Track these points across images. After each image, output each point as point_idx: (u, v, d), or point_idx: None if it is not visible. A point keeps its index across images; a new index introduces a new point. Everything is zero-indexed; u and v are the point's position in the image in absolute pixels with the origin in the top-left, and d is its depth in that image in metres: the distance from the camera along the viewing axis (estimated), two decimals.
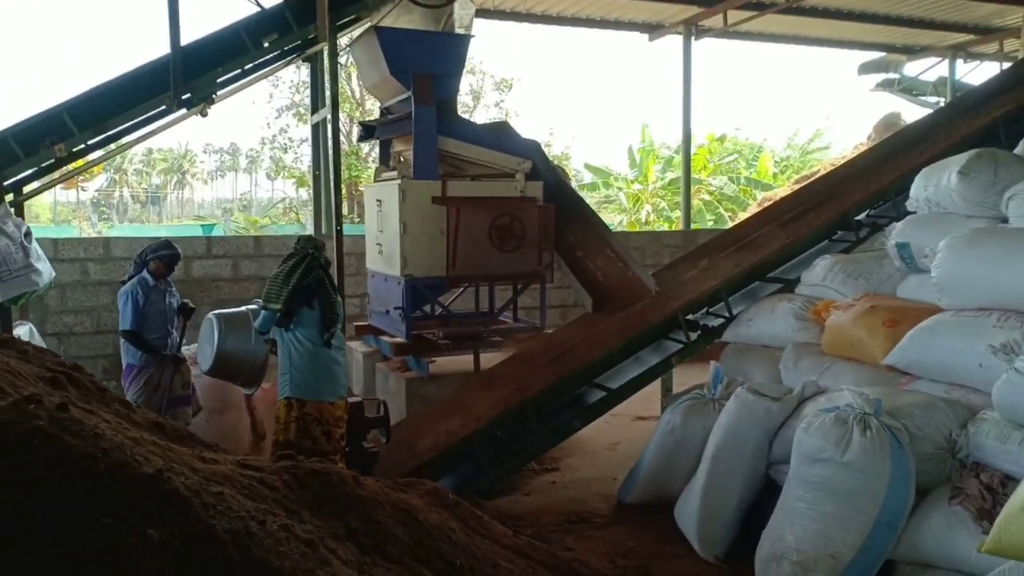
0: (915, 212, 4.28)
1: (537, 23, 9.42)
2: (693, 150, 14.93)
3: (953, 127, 5.85)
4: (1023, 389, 2.79)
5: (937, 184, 4.02)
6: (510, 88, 19.34)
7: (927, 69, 11.41)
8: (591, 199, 20.38)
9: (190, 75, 5.23)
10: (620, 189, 20.44)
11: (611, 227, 18.45)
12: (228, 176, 53.56)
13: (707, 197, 18.77)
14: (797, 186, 13.24)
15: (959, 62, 11.19)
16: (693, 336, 4.88)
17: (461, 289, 5.83)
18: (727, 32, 9.64)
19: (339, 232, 5.54)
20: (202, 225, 25.32)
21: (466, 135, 5.53)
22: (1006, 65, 10.82)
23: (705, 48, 10.10)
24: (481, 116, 19.28)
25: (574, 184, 20.53)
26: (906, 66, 11.05)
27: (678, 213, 18.71)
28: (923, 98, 11.12)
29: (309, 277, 3.75)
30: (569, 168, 20.60)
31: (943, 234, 3.71)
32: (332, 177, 5.93)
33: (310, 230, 8.85)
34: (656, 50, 9.68)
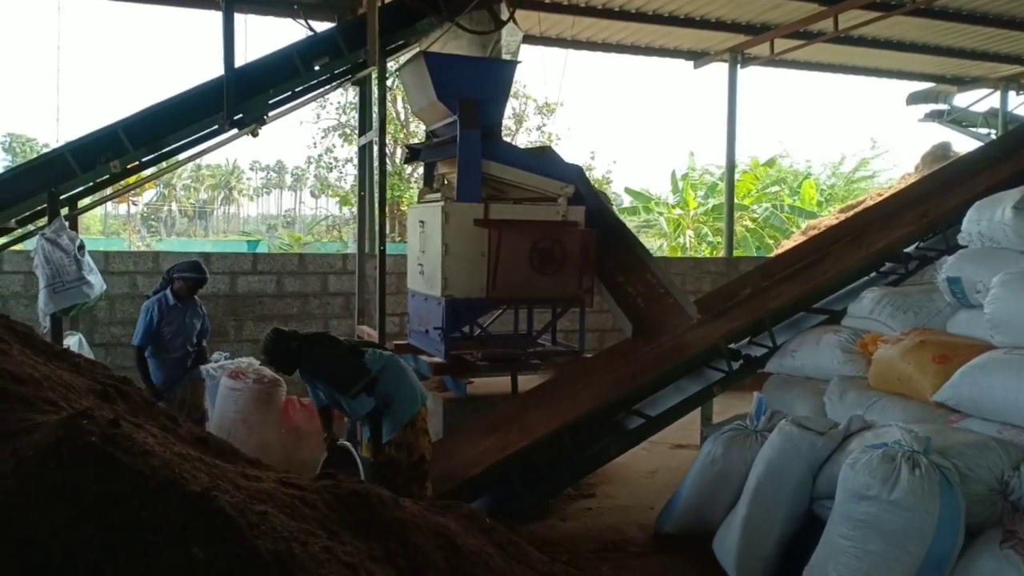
0: (967, 246, 4.18)
1: (582, 49, 9.48)
2: (738, 176, 14.84)
3: (1007, 160, 5.72)
4: None
5: (991, 218, 3.93)
6: (553, 112, 19.41)
7: (978, 100, 11.20)
8: (630, 223, 20.34)
9: (243, 96, 5.36)
10: (661, 214, 20.36)
11: (651, 252, 18.40)
12: (274, 193, 54.61)
13: (750, 224, 18.58)
14: (842, 215, 13.08)
15: (1011, 94, 10.97)
16: (735, 365, 4.81)
17: (500, 311, 5.84)
18: (773, 60, 9.62)
19: (382, 252, 5.60)
20: (247, 241, 25.78)
21: (509, 159, 5.57)
22: None
23: (751, 75, 10.05)
24: (523, 140, 19.37)
25: (615, 208, 20.50)
26: (956, 97, 10.88)
27: (720, 239, 18.57)
28: (973, 130, 10.91)
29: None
30: (609, 192, 20.59)
31: (996, 269, 3.63)
32: (377, 198, 6.01)
33: (353, 249, 8.96)
34: (701, 76, 9.73)
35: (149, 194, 41.66)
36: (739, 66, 9.60)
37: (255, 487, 1.89)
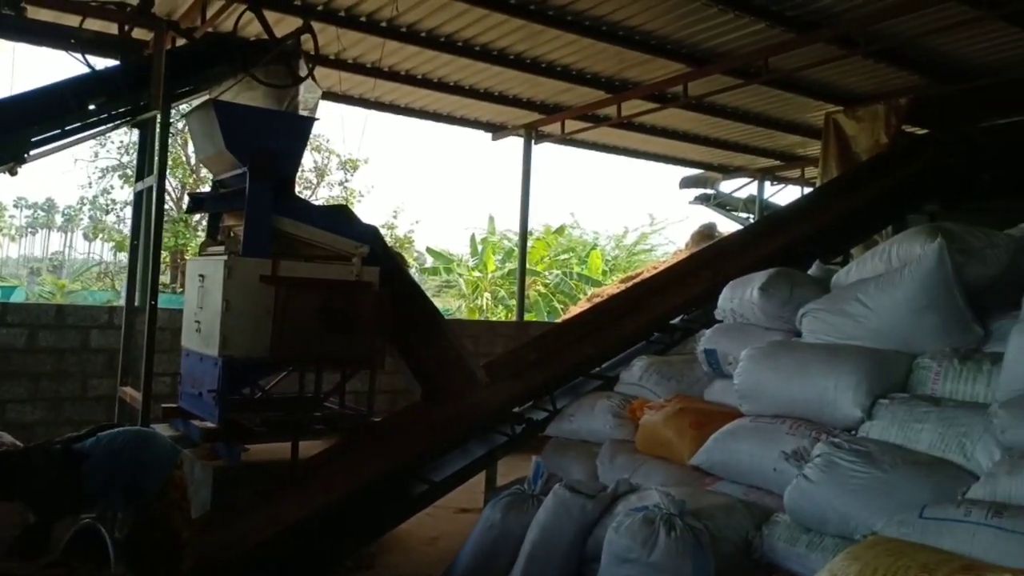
0: (722, 321, 4.63)
1: (385, 111, 9.57)
2: (531, 243, 15.48)
3: (758, 244, 6.43)
4: (810, 494, 3.03)
5: (742, 297, 4.38)
6: (356, 168, 19.36)
7: (739, 187, 12.61)
8: (432, 283, 20.55)
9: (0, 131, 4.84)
10: (460, 275, 20.76)
11: (449, 312, 18.54)
12: (40, 233, 49.37)
13: (542, 289, 19.41)
14: (623, 285, 14.00)
15: (767, 183, 12.49)
16: (519, 429, 4.94)
17: (284, 373, 5.60)
18: (564, 139, 10.26)
19: (153, 307, 5.20)
20: (1, 287, 22.94)
21: (302, 215, 5.42)
22: (806, 189, 12.19)
23: (547, 149, 10.65)
24: (325, 194, 19.10)
25: (415, 269, 20.58)
26: (721, 183, 12.16)
27: (514, 302, 19.24)
28: (735, 213, 12.23)
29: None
30: (412, 251, 20.71)
31: (745, 343, 4.03)
32: (152, 249, 5.61)
33: (123, 300, 8.26)
34: (500, 146, 10.16)
35: None
36: (533, 141, 10.14)
37: None
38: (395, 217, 20.94)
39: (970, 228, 3.81)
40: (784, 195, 12.73)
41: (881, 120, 8.49)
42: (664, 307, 5.78)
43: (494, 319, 17.72)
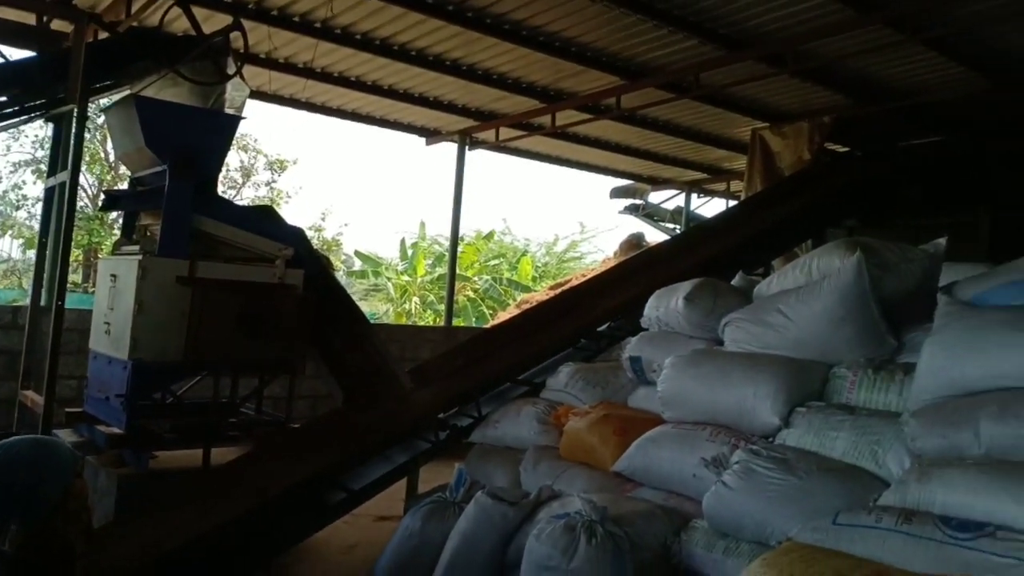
0: (647, 329, 4.66)
1: (317, 112, 9.39)
2: (462, 249, 15.39)
3: (685, 254, 6.53)
4: (728, 501, 3.05)
5: (667, 306, 4.42)
6: (284, 169, 18.94)
7: (668, 199, 12.84)
8: (359, 286, 20.27)
9: None
10: (389, 279, 20.54)
11: (376, 316, 18.29)
12: None
13: (471, 295, 19.36)
14: (552, 292, 14.06)
15: (694, 195, 12.75)
16: (443, 435, 4.86)
17: (199, 377, 5.40)
18: (498, 146, 10.25)
19: (60, 307, 4.94)
20: None
21: (224, 216, 5.23)
22: (731, 202, 12.48)
23: (480, 154, 10.62)
24: (250, 194, 18.63)
25: (342, 272, 20.23)
26: (650, 194, 12.35)
27: (443, 306, 19.14)
28: (663, 224, 12.44)
29: None
30: (339, 254, 20.39)
31: (669, 351, 4.07)
32: (61, 247, 5.33)
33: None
34: (434, 151, 10.12)
35: None
36: (467, 148, 10.09)
37: None
38: (323, 219, 20.59)
39: (887, 243, 3.92)
40: (710, 207, 13.02)
41: (805, 137, 8.75)
42: (592, 314, 5.80)
43: (422, 324, 17.59)
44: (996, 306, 3.12)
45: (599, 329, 5.69)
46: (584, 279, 8.96)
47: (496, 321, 15.63)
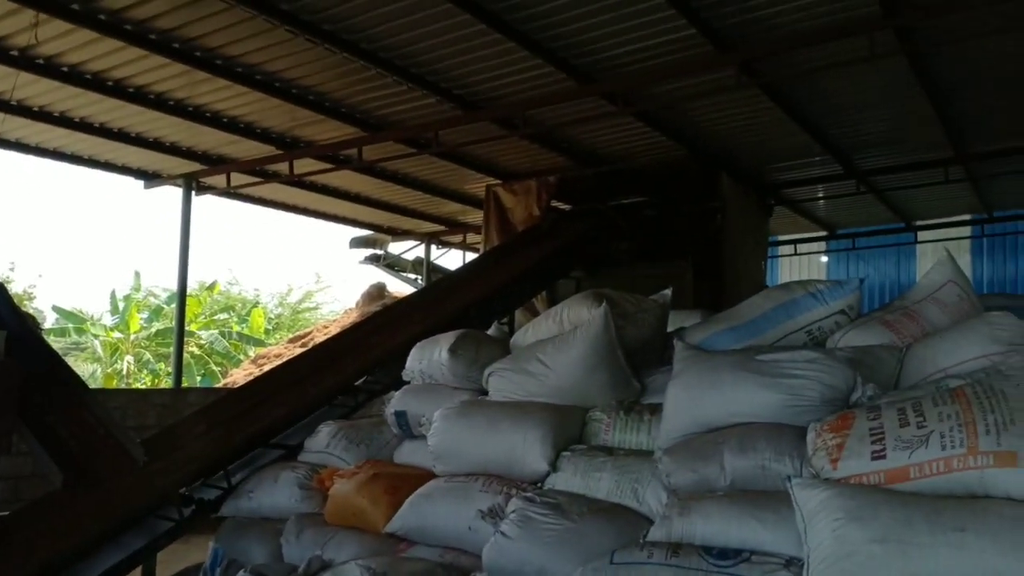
0: (410, 382, 4.64)
1: (10, 150, 8.28)
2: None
3: (436, 306, 6.64)
4: (508, 550, 3.11)
5: (430, 358, 4.45)
6: None
7: (408, 249, 13.07)
8: (57, 344, 17.89)
9: None
10: (96, 336, 18.39)
11: (86, 381, 16.29)
12: None
13: (196, 350, 17.98)
14: (293, 345, 13.54)
15: (434, 247, 13.09)
16: (187, 512, 4.41)
17: None
18: (230, 192, 9.75)
19: None
20: None
21: None
22: (469, 254, 13.00)
23: (208, 200, 9.99)
24: None
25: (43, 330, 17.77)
26: (390, 245, 12.47)
27: (163, 365, 17.48)
28: (404, 274, 12.60)
29: None
30: (31, 309, 17.91)
31: (436, 404, 4.08)
32: None
33: None
34: (153, 196, 9.28)
35: None
36: (194, 193, 9.46)
37: None
38: (12, 271, 18.00)
39: (623, 294, 4.32)
40: (449, 258, 13.47)
41: (534, 195, 9.42)
42: (348, 369, 5.66)
43: (139, 385, 15.95)
44: (724, 350, 3.58)
45: (356, 383, 5.56)
46: (333, 333, 8.75)
47: (229, 379, 14.65)
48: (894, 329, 3.46)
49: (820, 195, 11.31)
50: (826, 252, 14.87)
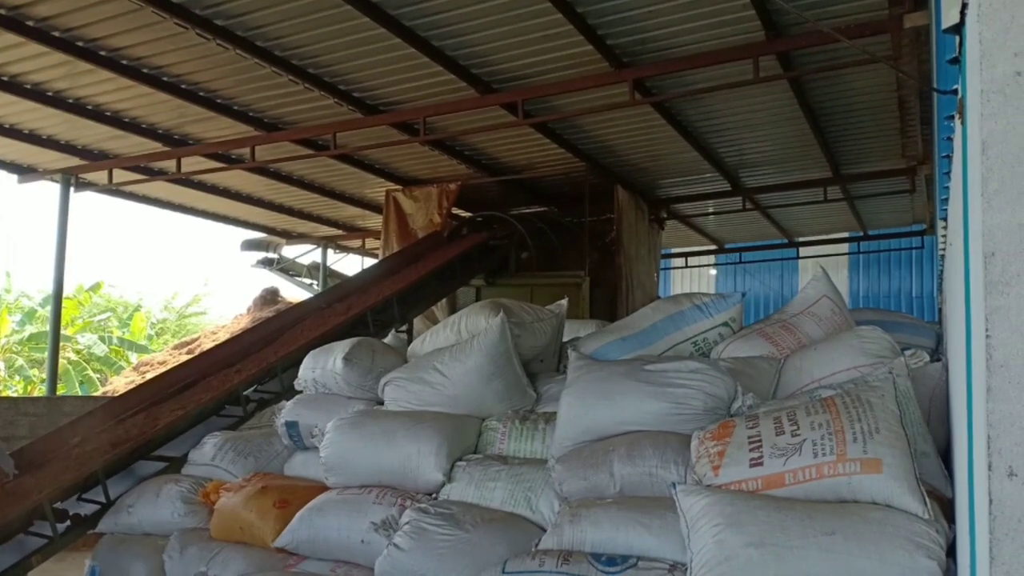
0: (303, 391, 4.54)
1: None
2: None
3: (332, 311, 6.52)
4: (401, 562, 3.09)
5: (324, 367, 4.36)
6: None
7: (304, 253, 12.75)
8: None
9: None
10: None
11: None
12: None
13: (73, 356, 16.97)
14: (178, 351, 12.99)
15: (330, 251, 12.82)
16: (61, 528, 4.16)
17: None
18: (112, 189, 9.28)
19: None
20: None
21: None
22: (366, 259, 12.81)
23: (88, 198, 9.48)
24: None
25: None
26: (284, 248, 12.14)
27: (37, 371, 16.40)
28: (299, 279, 12.28)
29: None
30: None
31: (330, 414, 4.01)
32: None
33: None
34: (28, 191, 8.68)
35: None
36: (72, 189, 8.95)
37: None
38: None
39: (521, 304, 4.38)
40: (346, 263, 13.22)
41: (434, 201, 9.40)
42: (236, 378, 5.47)
43: (11, 393, 14.92)
44: (615, 360, 3.67)
45: (245, 393, 5.39)
46: (222, 340, 8.44)
47: (109, 387, 13.89)
48: (773, 341, 3.65)
49: (710, 210, 11.78)
50: (715, 265, 15.50)
